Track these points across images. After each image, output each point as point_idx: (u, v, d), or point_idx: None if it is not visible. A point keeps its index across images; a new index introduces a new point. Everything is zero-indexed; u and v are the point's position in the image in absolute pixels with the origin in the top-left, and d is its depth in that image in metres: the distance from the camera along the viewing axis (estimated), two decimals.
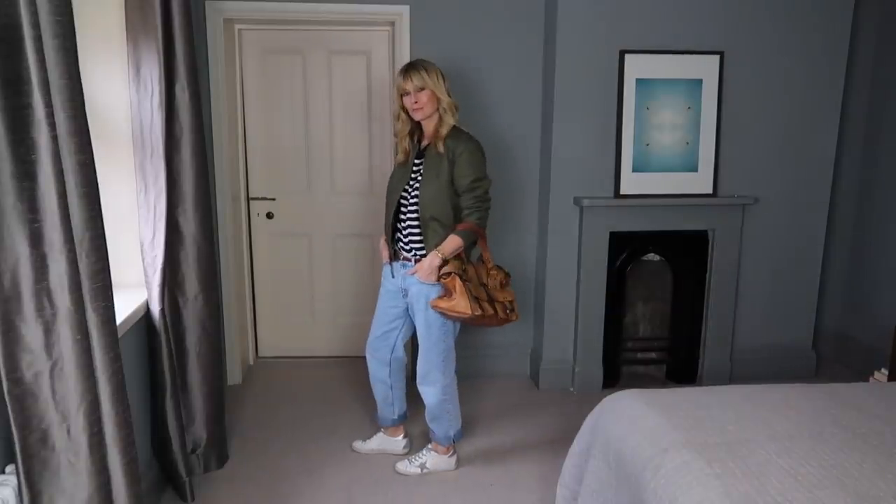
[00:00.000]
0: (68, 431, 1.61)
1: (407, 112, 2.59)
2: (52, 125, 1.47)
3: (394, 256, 2.69)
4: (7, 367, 1.49)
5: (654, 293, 3.77)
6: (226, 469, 2.80)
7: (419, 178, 2.56)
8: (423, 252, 2.57)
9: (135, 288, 2.47)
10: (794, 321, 3.82)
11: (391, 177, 2.73)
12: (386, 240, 2.73)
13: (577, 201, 3.48)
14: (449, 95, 2.55)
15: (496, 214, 3.66)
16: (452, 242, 2.52)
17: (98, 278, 1.63)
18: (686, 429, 1.92)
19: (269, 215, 3.93)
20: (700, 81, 3.46)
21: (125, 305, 2.28)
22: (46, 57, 1.45)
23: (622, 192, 3.49)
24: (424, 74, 2.49)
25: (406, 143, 2.64)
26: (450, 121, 2.54)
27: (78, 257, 1.57)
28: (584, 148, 3.46)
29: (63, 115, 1.51)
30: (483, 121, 3.55)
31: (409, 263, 2.62)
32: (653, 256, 3.66)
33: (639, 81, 3.42)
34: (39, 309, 1.52)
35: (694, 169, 3.53)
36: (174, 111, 2.37)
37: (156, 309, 2.36)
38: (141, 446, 2.34)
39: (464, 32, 3.47)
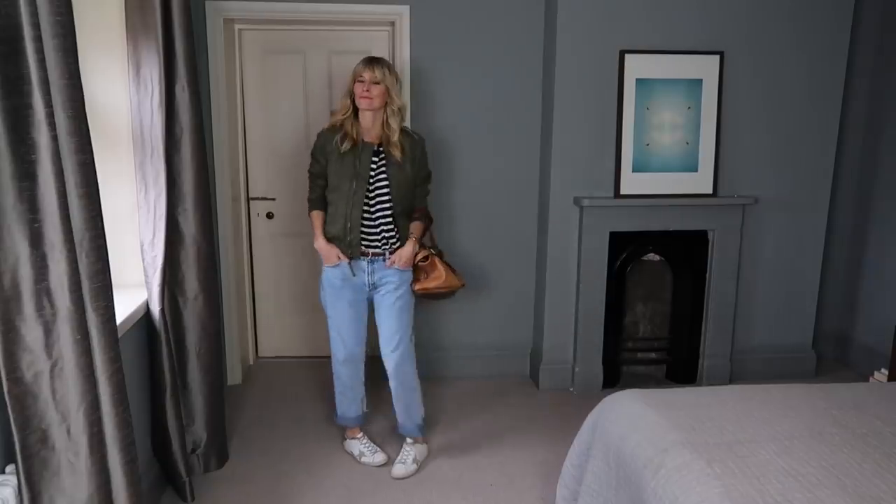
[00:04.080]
0: (68, 431, 1.61)
1: (352, 99, 2.65)
2: (52, 125, 1.47)
3: (352, 254, 2.67)
4: (7, 367, 1.49)
5: (654, 293, 3.77)
6: (226, 469, 2.80)
7: (381, 174, 2.64)
8: (396, 243, 2.69)
9: (135, 288, 2.47)
10: (794, 321, 3.82)
11: (334, 171, 2.65)
12: (336, 240, 2.67)
13: (577, 201, 3.48)
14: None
15: (496, 214, 3.68)
16: (419, 228, 2.75)
17: (98, 278, 1.63)
18: (686, 429, 1.92)
19: (269, 215, 3.93)
20: (700, 81, 3.46)
21: (125, 305, 2.28)
22: (46, 57, 1.45)
23: (622, 192, 3.49)
24: (386, 72, 2.59)
25: (354, 131, 2.64)
26: (398, 122, 2.65)
27: (78, 257, 1.57)
28: (584, 148, 3.46)
29: (63, 115, 1.51)
30: (483, 121, 3.55)
31: (380, 258, 2.68)
32: (653, 256, 3.66)
33: (639, 81, 3.42)
34: (39, 309, 1.52)
35: (694, 169, 3.53)
36: (174, 111, 2.37)
37: (156, 309, 2.36)
38: (141, 446, 2.34)
39: (464, 32, 3.47)
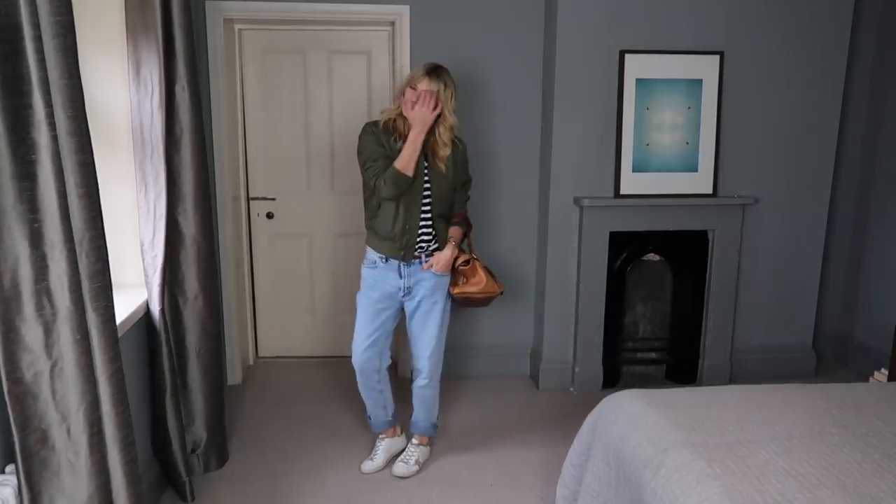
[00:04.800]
0: (68, 431, 1.61)
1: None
2: (52, 125, 1.47)
3: (405, 256, 2.61)
4: (7, 367, 1.49)
5: (654, 293, 3.77)
6: (226, 469, 2.80)
7: (426, 178, 2.60)
8: (436, 247, 2.66)
9: (135, 288, 2.47)
10: (794, 321, 3.82)
11: (395, 172, 2.48)
12: (390, 241, 2.60)
13: (577, 201, 3.48)
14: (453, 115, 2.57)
15: (496, 214, 3.68)
16: (458, 233, 2.72)
17: (98, 278, 1.63)
18: (686, 429, 1.92)
19: (269, 215, 3.93)
20: (700, 81, 3.46)
21: (125, 305, 2.28)
22: (46, 57, 1.45)
23: (622, 192, 3.49)
24: (443, 87, 2.50)
25: (406, 129, 2.54)
26: (449, 138, 2.58)
27: (78, 257, 1.57)
28: (584, 148, 3.46)
29: (63, 115, 1.51)
30: (483, 121, 3.55)
31: (417, 262, 2.63)
32: (653, 256, 3.66)
33: (639, 81, 3.42)
34: (39, 309, 1.52)
35: (694, 169, 3.52)
36: (174, 111, 2.37)
37: (156, 309, 2.36)
38: (141, 446, 2.34)
39: (464, 32, 3.47)
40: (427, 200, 2.61)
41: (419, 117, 2.45)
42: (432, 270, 2.64)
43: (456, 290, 2.72)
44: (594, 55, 3.39)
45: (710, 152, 3.52)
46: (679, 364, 3.77)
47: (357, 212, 3.92)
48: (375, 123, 2.60)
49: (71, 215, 1.55)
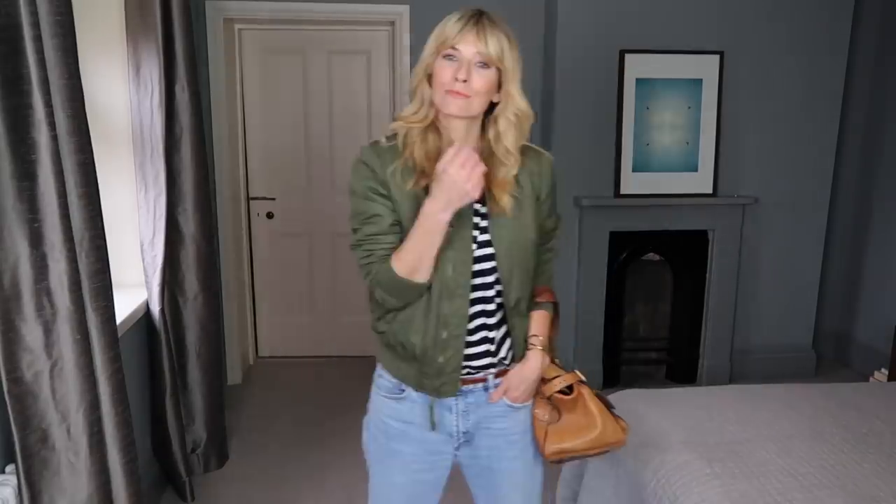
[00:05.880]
0: (68, 431, 1.61)
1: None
2: (52, 125, 1.47)
3: (446, 390, 1.38)
4: (7, 366, 1.49)
5: (654, 293, 3.77)
6: (226, 469, 2.80)
7: (479, 229, 1.37)
8: (507, 358, 1.45)
9: (135, 288, 2.47)
10: (794, 321, 3.82)
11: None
12: (416, 362, 1.38)
13: (577, 201, 3.48)
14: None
15: None
16: (546, 324, 1.55)
17: (98, 278, 1.63)
18: (686, 429, 1.92)
19: (269, 215, 3.93)
20: (700, 81, 3.46)
21: (125, 305, 2.28)
22: (46, 57, 1.45)
23: (622, 191, 3.48)
24: (506, 45, 1.33)
25: (426, 156, 1.32)
26: (518, 139, 1.37)
27: (78, 257, 1.57)
28: (584, 148, 3.46)
29: (63, 115, 1.51)
30: None
31: (479, 387, 1.42)
32: (653, 256, 3.66)
33: (639, 81, 3.42)
34: (39, 309, 1.52)
35: (694, 169, 3.52)
36: (174, 111, 2.37)
37: (156, 309, 2.36)
38: (141, 446, 2.33)
39: None
40: (492, 277, 1.38)
41: (449, 185, 1.22)
42: (506, 399, 1.44)
43: (550, 450, 1.45)
44: (594, 55, 3.39)
45: (710, 152, 3.52)
46: (679, 364, 3.77)
47: None
48: (377, 150, 1.35)
49: (71, 215, 1.55)
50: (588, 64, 3.39)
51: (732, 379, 3.73)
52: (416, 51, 3.45)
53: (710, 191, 3.55)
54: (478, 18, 1.31)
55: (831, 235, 3.89)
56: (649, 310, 3.79)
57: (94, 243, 1.62)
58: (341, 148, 3.86)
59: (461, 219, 1.31)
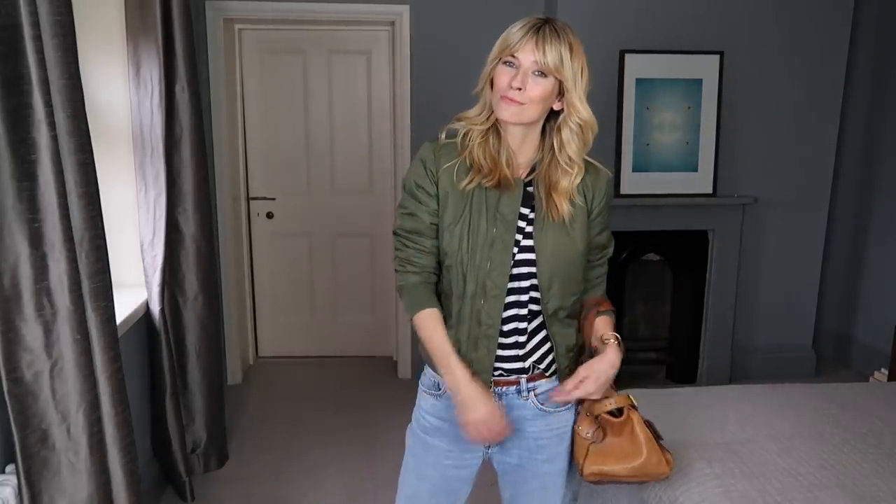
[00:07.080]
0: (68, 431, 1.61)
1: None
2: (52, 125, 1.47)
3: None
4: (7, 366, 1.49)
5: (653, 293, 3.77)
6: (226, 469, 2.80)
7: (524, 233, 1.39)
8: (551, 363, 1.45)
9: (135, 288, 2.47)
10: (794, 321, 3.82)
11: (448, 226, 1.39)
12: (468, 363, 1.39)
13: None
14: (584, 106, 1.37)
15: None
16: (609, 325, 1.48)
17: (98, 278, 1.63)
18: (686, 429, 1.92)
19: (269, 215, 3.93)
20: (700, 81, 3.46)
21: (125, 305, 2.28)
22: (46, 57, 1.45)
23: (622, 191, 3.48)
24: (566, 55, 1.34)
25: (489, 158, 1.39)
26: (580, 150, 1.40)
27: (78, 257, 1.57)
28: None
29: (63, 115, 1.51)
30: None
31: (513, 389, 1.44)
32: (653, 256, 3.66)
33: (639, 81, 3.42)
34: (39, 309, 1.52)
35: (694, 169, 3.52)
36: (174, 111, 2.37)
37: (156, 309, 2.36)
38: (141, 446, 2.34)
39: (464, 32, 3.46)
40: (528, 283, 1.39)
41: (475, 431, 1.38)
42: (570, 392, 1.38)
43: (589, 470, 1.43)
44: (594, 55, 3.34)
45: (710, 152, 3.52)
46: (679, 364, 3.77)
47: (356, 211, 3.95)
48: (436, 147, 1.44)
49: (71, 215, 1.55)
50: (588, 64, 3.38)
51: (732, 379, 3.73)
52: (416, 51, 3.46)
53: (709, 191, 3.55)
54: (539, 27, 1.34)
55: (831, 235, 3.89)
56: (649, 310, 3.79)
57: (94, 243, 1.62)
58: (341, 148, 3.86)
59: (506, 223, 1.37)
